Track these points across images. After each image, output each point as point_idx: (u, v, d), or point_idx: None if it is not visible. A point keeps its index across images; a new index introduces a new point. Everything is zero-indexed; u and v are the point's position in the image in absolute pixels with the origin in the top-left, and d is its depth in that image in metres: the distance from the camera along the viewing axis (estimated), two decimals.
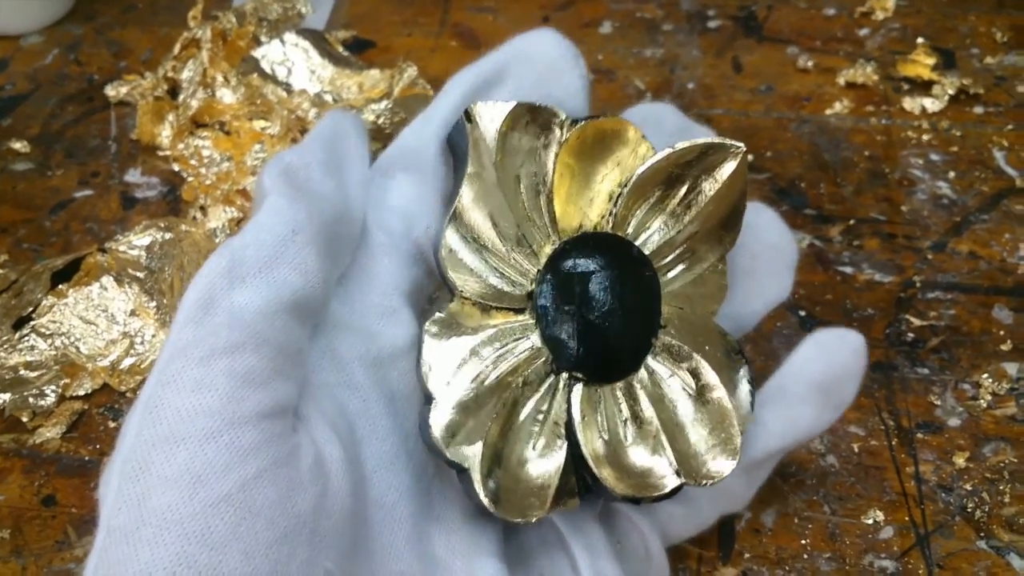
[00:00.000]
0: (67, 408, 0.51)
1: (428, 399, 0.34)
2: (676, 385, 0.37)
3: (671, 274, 0.38)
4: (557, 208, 0.36)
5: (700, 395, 0.37)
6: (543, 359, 0.35)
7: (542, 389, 0.35)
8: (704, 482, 0.35)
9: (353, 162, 0.37)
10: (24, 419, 0.50)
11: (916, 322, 0.52)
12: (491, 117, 0.35)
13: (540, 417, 0.35)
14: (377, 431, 0.36)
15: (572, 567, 0.37)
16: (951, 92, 0.65)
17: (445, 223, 0.34)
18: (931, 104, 0.65)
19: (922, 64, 0.67)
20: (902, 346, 0.51)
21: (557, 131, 0.35)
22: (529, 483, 0.34)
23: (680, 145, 0.36)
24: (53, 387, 0.51)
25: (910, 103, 0.65)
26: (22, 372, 0.52)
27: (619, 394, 0.36)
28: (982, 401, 0.49)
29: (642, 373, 0.36)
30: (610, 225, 0.36)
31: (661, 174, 0.37)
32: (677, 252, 0.38)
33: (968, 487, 0.45)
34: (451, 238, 0.34)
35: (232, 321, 0.31)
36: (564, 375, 0.35)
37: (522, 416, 0.35)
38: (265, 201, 0.34)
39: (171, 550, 0.28)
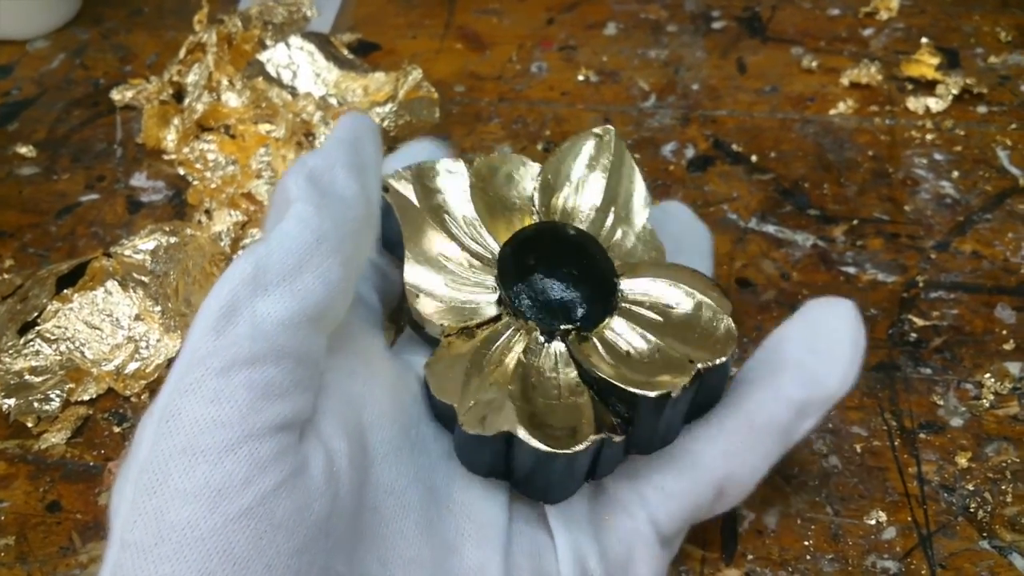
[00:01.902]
0: (72, 413, 0.51)
1: (450, 411, 0.36)
2: (649, 313, 0.40)
3: (615, 238, 0.43)
4: (488, 225, 0.42)
5: (670, 313, 0.40)
6: (534, 334, 0.39)
7: (543, 354, 0.39)
8: (716, 359, 0.37)
9: (372, 164, 0.38)
10: (29, 424, 0.51)
11: (919, 322, 0.52)
12: (401, 182, 0.41)
13: (553, 375, 0.38)
14: (383, 417, 0.36)
15: (553, 541, 0.38)
16: (955, 92, 0.65)
17: (404, 276, 0.39)
18: (935, 104, 0.65)
19: (926, 64, 0.67)
20: (905, 346, 0.51)
21: (460, 174, 0.42)
22: (567, 419, 0.36)
23: (565, 144, 0.44)
24: (58, 392, 0.52)
25: (914, 103, 0.65)
26: (27, 377, 0.52)
27: (607, 333, 0.39)
28: (985, 401, 0.49)
29: (619, 312, 0.40)
30: (538, 219, 0.42)
31: (565, 168, 0.44)
32: (610, 220, 0.43)
33: (971, 487, 0.45)
34: (415, 281, 0.39)
35: (254, 332, 0.32)
36: (556, 340, 0.39)
37: (535, 378, 0.38)
38: (291, 207, 0.34)
39: (192, 567, 0.28)
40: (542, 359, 0.38)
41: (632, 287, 0.41)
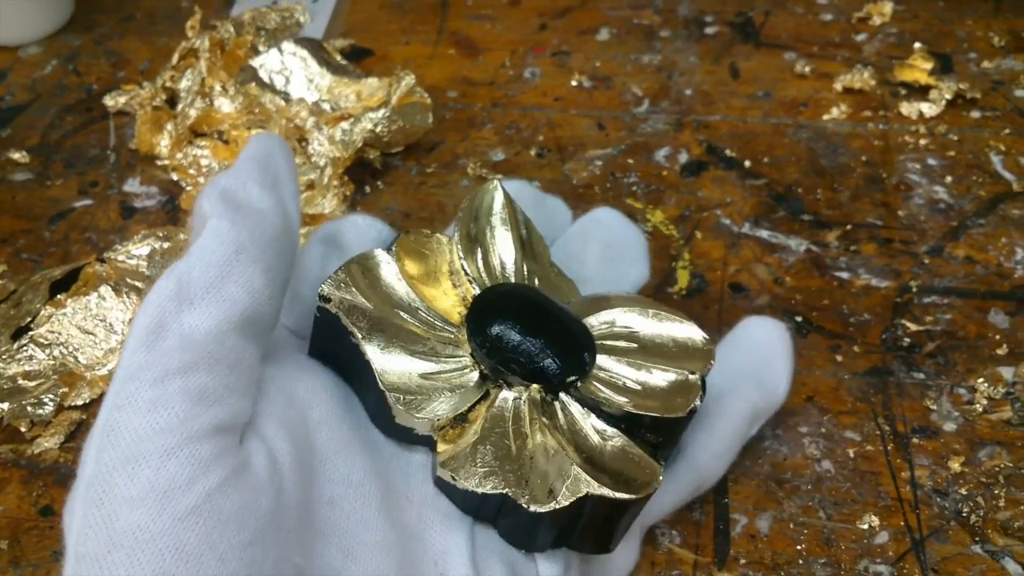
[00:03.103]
0: (65, 418, 0.51)
1: (497, 499, 0.36)
2: (624, 343, 0.41)
3: (537, 283, 0.43)
4: (438, 307, 0.40)
5: (640, 338, 0.41)
6: (534, 396, 0.38)
7: (558, 412, 0.38)
8: (708, 364, 0.40)
9: (286, 178, 0.38)
10: (22, 429, 0.51)
11: (912, 327, 0.52)
12: (335, 289, 0.38)
13: (582, 427, 0.38)
14: (331, 416, 0.37)
15: None
16: (948, 97, 0.65)
17: (379, 385, 0.37)
18: (928, 109, 0.65)
19: (919, 69, 0.67)
20: (898, 351, 0.51)
21: (385, 262, 0.40)
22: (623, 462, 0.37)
23: (463, 205, 0.44)
24: (51, 396, 0.51)
25: (907, 108, 0.65)
26: (20, 382, 0.52)
27: (601, 374, 0.39)
28: (978, 406, 0.49)
29: (599, 360, 0.40)
30: (476, 288, 0.41)
31: (463, 234, 0.43)
32: (526, 273, 0.43)
33: (963, 491, 0.45)
34: (393, 382, 0.37)
35: (183, 343, 0.32)
36: (562, 395, 0.39)
37: (572, 435, 0.38)
38: (207, 224, 0.35)
39: (147, 568, 0.29)
40: (561, 417, 0.38)
41: (592, 321, 0.41)
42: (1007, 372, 0.50)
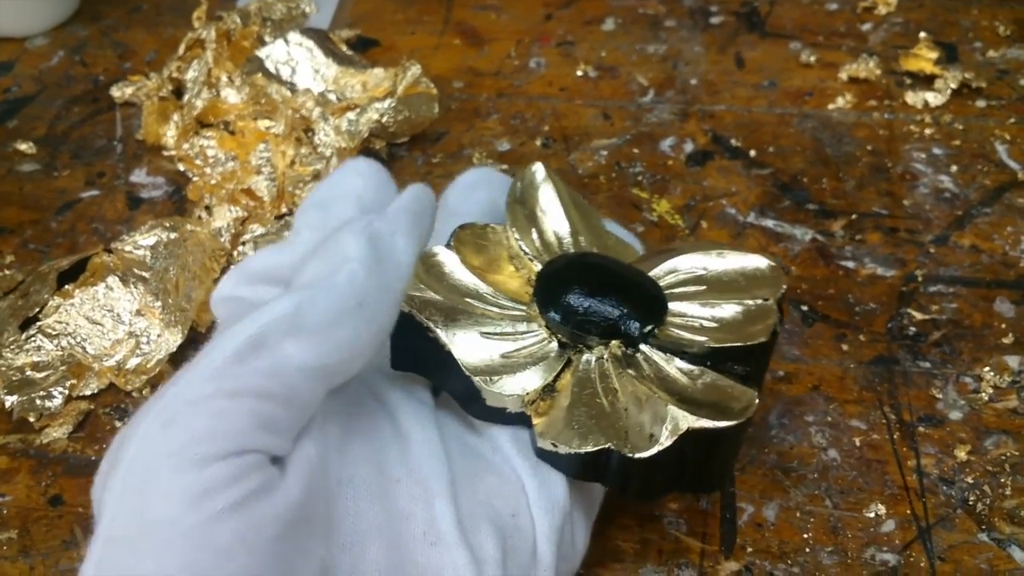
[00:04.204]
0: (74, 408, 0.51)
1: (602, 455, 0.37)
2: (693, 287, 0.42)
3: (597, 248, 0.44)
4: (506, 290, 0.41)
5: (708, 277, 0.42)
6: (615, 352, 0.39)
7: (641, 362, 0.39)
8: (780, 290, 0.41)
9: (426, 238, 0.39)
10: (31, 419, 0.51)
11: (918, 316, 0.52)
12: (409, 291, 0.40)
13: (668, 369, 0.39)
14: (331, 415, 0.37)
15: (521, 488, 0.38)
16: (953, 86, 0.65)
17: (464, 372, 0.38)
18: (933, 98, 0.65)
19: (924, 58, 0.67)
20: (904, 340, 0.51)
21: (447, 257, 0.41)
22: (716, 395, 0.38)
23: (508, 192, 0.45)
24: (60, 388, 0.52)
25: (912, 97, 0.65)
26: (29, 373, 0.52)
27: (675, 320, 0.40)
28: (983, 394, 0.49)
29: (672, 306, 0.41)
30: (537, 265, 0.42)
31: (514, 218, 0.44)
32: (583, 242, 0.44)
33: (969, 480, 0.46)
34: (476, 364, 0.38)
35: (275, 369, 0.32)
36: (641, 345, 0.39)
37: (660, 381, 0.38)
38: (347, 264, 0.35)
39: (175, 557, 0.29)
40: (646, 367, 0.39)
41: (657, 272, 0.42)
42: (1013, 361, 0.50)
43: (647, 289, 0.41)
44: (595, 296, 0.40)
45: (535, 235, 0.43)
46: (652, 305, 0.40)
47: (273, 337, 0.33)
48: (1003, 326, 0.52)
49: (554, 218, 0.44)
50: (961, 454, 0.46)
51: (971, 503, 0.45)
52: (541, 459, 0.38)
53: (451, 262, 0.41)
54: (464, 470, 0.38)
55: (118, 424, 0.51)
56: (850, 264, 0.55)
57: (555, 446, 0.36)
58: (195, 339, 0.54)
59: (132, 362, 0.52)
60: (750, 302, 0.40)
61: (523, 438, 0.39)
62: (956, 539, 0.44)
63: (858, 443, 0.47)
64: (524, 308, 0.41)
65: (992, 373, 0.49)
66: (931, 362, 0.50)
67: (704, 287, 0.41)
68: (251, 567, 0.30)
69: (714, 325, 0.40)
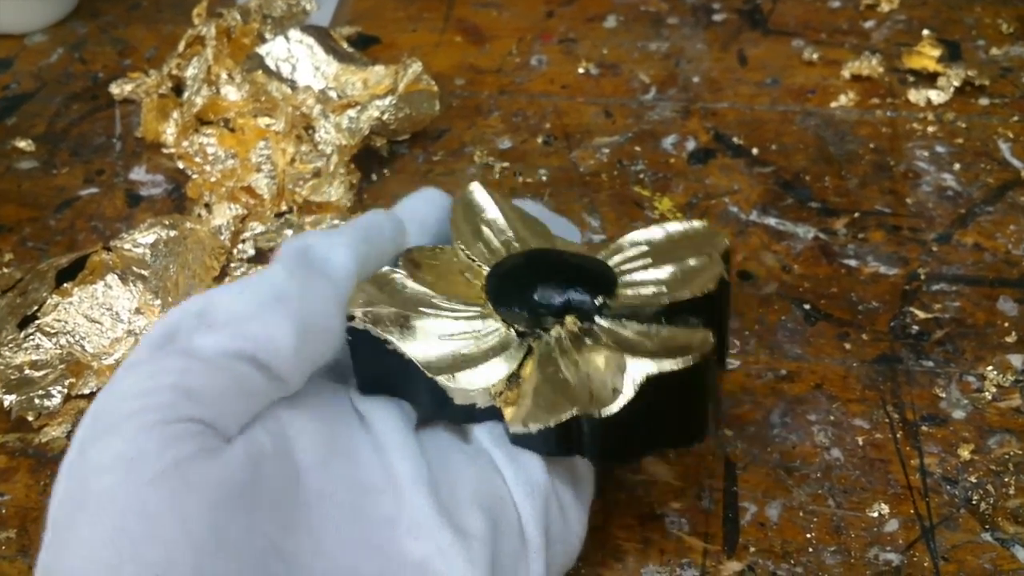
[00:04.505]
0: (73, 407, 0.51)
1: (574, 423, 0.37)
2: (641, 259, 0.43)
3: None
4: (461, 294, 0.42)
5: (655, 244, 0.43)
6: (573, 328, 0.40)
7: (598, 333, 0.40)
8: (723, 244, 0.43)
9: (376, 253, 0.42)
10: (30, 418, 0.50)
11: (921, 315, 0.52)
12: (355, 306, 0.40)
13: (625, 333, 0.39)
14: (308, 428, 0.37)
15: (501, 477, 0.39)
16: (956, 84, 0.65)
17: (427, 376, 0.39)
18: (936, 96, 0.65)
19: (927, 56, 0.67)
20: (907, 339, 0.51)
21: (397, 273, 0.42)
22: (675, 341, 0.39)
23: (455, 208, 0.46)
24: (59, 387, 0.51)
25: (915, 95, 0.65)
26: (27, 372, 0.52)
27: (627, 291, 0.41)
28: (987, 393, 0.49)
29: (622, 279, 0.42)
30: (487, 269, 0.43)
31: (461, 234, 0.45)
32: (532, 245, 0.45)
33: (973, 479, 0.45)
34: (438, 365, 0.39)
35: (187, 354, 0.34)
36: (598, 318, 0.40)
37: (619, 344, 0.39)
38: (269, 269, 0.37)
39: (108, 524, 0.30)
40: (604, 336, 0.39)
41: (604, 255, 0.43)
42: (1016, 360, 0.50)
43: (595, 267, 0.42)
44: (545, 282, 0.40)
45: (482, 246, 0.44)
46: (601, 280, 0.41)
47: (183, 331, 0.35)
48: (1006, 325, 0.51)
49: (499, 229, 0.45)
50: (964, 453, 0.46)
51: (975, 503, 0.44)
52: (516, 444, 0.38)
53: (403, 279, 0.42)
54: (442, 467, 0.38)
55: None
56: (853, 262, 0.55)
57: (526, 426, 0.37)
58: None
59: None
60: (694, 261, 0.41)
61: (498, 431, 0.39)
62: (960, 539, 0.43)
63: (861, 442, 0.47)
64: (479, 308, 0.41)
65: (995, 372, 0.49)
66: (934, 361, 0.50)
67: (650, 259, 0.42)
68: (183, 534, 0.30)
69: (664, 287, 0.41)
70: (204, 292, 0.37)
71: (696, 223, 0.44)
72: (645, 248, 0.43)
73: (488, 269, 0.42)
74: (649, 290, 0.41)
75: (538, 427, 0.37)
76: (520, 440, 0.38)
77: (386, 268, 0.42)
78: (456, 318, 0.40)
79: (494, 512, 0.37)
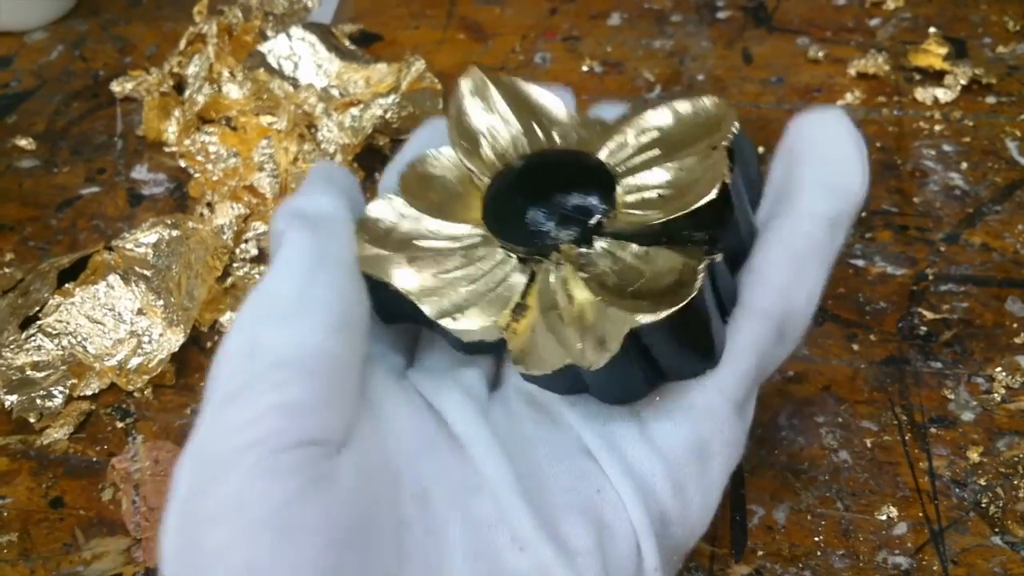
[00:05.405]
0: (74, 408, 0.51)
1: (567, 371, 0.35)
2: (647, 152, 0.39)
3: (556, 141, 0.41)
4: (465, 218, 0.39)
5: (662, 136, 0.39)
6: (570, 252, 0.37)
7: (594, 257, 0.37)
8: (731, 131, 0.37)
9: (352, 189, 0.40)
10: (31, 420, 0.50)
11: (929, 315, 0.52)
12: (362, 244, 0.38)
13: (623, 255, 0.37)
14: (392, 430, 0.36)
15: (596, 464, 0.36)
16: (963, 82, 0.65)
17: (427, 312, 0.37)
18: (943, 94, 0.64)
19: (934, 54, 0.67)
20: (915, 340, 0.51)
21: (387, 209, 0.39)
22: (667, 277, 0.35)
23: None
24: (60, 388, 0.51)
25: (922, 93, 0.65)
26: (29, 373, 0.52)
27: (629, 197, 0.38)
28: (996, 395, 0.48)
29: (627, 181, 0.38)
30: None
31: (458, 136, 0.42)
32: (541, 135, 0.41)
33: (982, 482, 0.45)
34: (438, 308, 0.37)
35: (277, 361, 0.32)
36: (595, 240, 0.37)
37: (613, 273, 0.36)
38: (284, 238, 0.35)
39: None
40: (601, 264, 0.36)
41: (610, 146, 0.39)
42: None
43: (592, 175, 0.39)
44: (537, 205, 0.39)
45: (484, 148, 0.41)
46: (599, 192, 0.39)
47: (261, 335, 0.33)
48: (1015, 326, 0.51)
49: (497, 121, 0.42)
50: (973, 456, 0.46)
51: (984, 505, 0.44)
52: (526, 381, 0.36)
53: (392, 214, 0.40)
54: (527, 460, 0.36)
55: (119, 424, 0.50)
56: (860, 262, 0.55)
57: (527, 370, 0.35)
58: (197, 338, 0.54)
59: (134, 362, 0.52)
60: (701, 155, 0.37)
61: (582, 406, 0.37)
62: (969, 542, 0.43)
63: (869, 444, 0.47)
64: (480, 233, 0.39)
65: (1004, 373, 0.49)
66: (942, 362, 0.50)
67: (658, 151, 0.38)
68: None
69: (669, 191, 0.37)
70: (252, 291, 0.35)
71: (706, 100, 0.38)
72: (655, 135, 0.39)
73: (487, 180, 0.40)
74: (653, 199, 0.37)
75: (538, 372, 0.35)
76: (526, 378, 0.36)
77: (375, 203, 0.40)
78: (454, 249, 0.38)
79: (597, 509, 0.35)
